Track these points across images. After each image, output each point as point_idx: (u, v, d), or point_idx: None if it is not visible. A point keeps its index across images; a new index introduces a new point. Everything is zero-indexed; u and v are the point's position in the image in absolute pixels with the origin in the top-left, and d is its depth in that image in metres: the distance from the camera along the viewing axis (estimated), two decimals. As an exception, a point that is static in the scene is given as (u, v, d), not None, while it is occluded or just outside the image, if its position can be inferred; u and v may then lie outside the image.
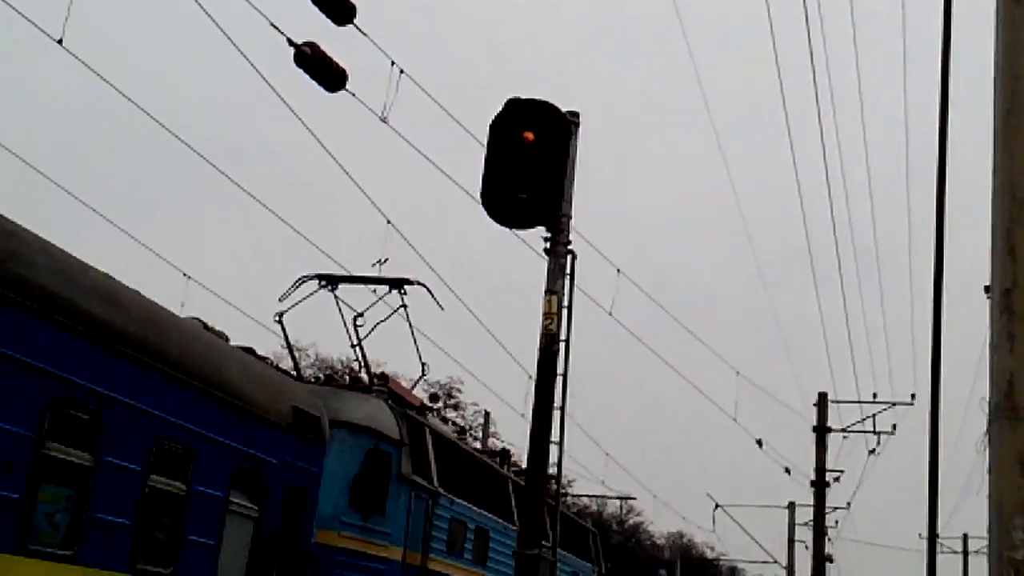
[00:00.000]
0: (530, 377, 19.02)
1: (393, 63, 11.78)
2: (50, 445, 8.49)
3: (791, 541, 47.27)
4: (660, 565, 74.14)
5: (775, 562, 46.99)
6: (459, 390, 51.83)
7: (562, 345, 12.09)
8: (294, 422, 12.38)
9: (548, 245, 12.13)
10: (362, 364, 17.07)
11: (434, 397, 41.18)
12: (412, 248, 15.74)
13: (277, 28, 10.21)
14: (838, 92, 24.33)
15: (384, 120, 11.83)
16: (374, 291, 16.68)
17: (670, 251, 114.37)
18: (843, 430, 32.87)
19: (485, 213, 11.85)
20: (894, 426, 33.12)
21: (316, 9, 10.41)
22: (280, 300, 16.27)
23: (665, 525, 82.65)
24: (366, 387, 16.34)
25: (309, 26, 10.62)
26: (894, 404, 32.22)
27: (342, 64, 10.72)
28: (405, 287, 16.51)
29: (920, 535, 55.56)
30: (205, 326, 12.17)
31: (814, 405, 32.64)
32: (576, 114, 12.19)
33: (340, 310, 16.39)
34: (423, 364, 17.12)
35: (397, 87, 11.76)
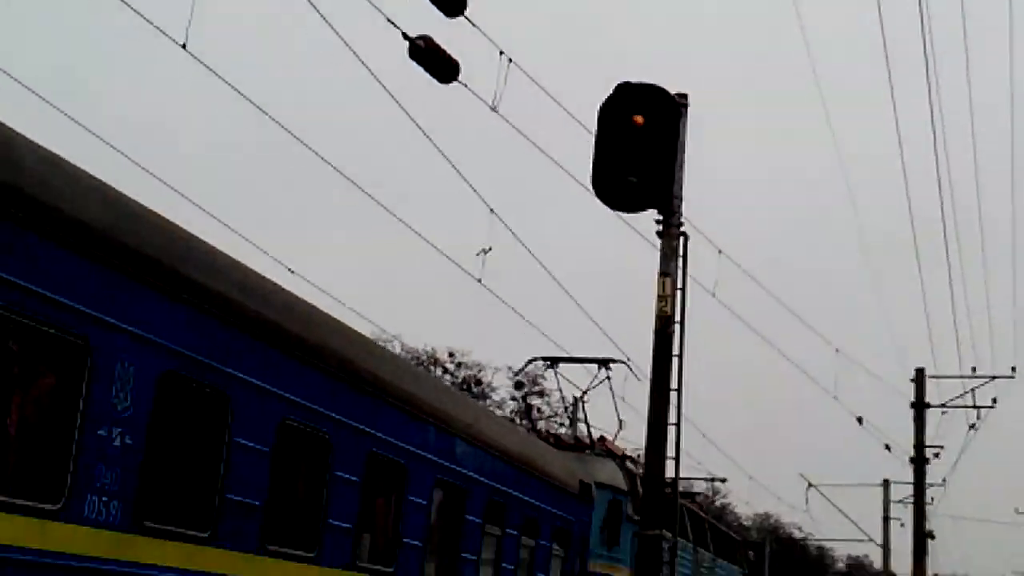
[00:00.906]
0: (626, 360, 19.55)
1: (502, 53, 11.88)
2: (486, 527, 13.48)
3: (886, 519, 46.55)
4: (747, 547, 73.54)
5: (870, 540, 46.53)
6: (544, 377, 51.82)
7: (676, 327, 12.14)
8: (580, 491, 16.93)
9: (660, 228, 12.18)
10: (586, 430, 22.37)
11: (519, 385, 41.07)
12: (515, 236, 15.80)
13: (393, 23, 10.36)
14: (947, 65, 24.23)
15: (495, 109, 11.95)
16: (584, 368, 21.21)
17: (769, 229, 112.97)
18: (942, 405, 32.33)
19: (595, 197, 11.91)
20: (994, 400, 32.54)
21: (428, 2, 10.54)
22: (516, 375, 20.26)
23: (754, 506, 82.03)
24: (588, 446, 21.24)
25: (418, 19, 10.74)
26: (994, 378, 31.67)
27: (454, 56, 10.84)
28: (611, 364, 20.90)
29: (1017, 510, 54.62)
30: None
31: (911, 381, 32.16)
32: (685, 96, 12.23)
33: (559, 385, 21.89)
34: (620, 421, 21.90)
35: (506, 77, 11.85)
